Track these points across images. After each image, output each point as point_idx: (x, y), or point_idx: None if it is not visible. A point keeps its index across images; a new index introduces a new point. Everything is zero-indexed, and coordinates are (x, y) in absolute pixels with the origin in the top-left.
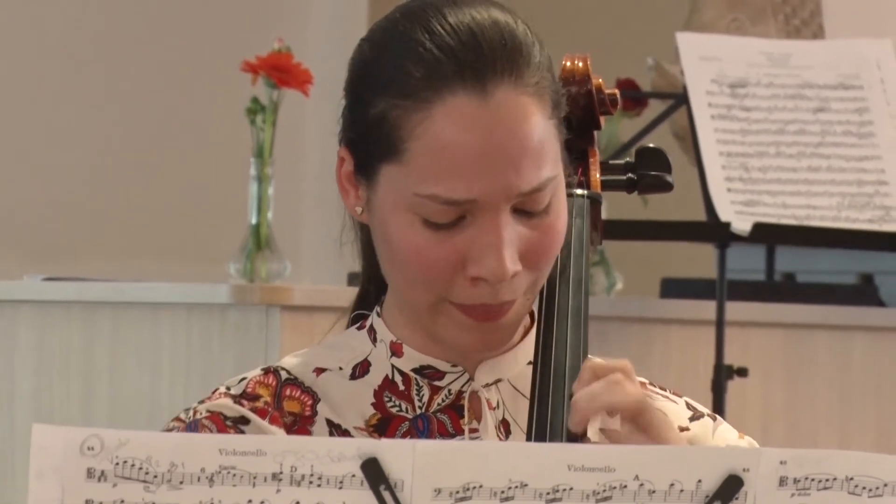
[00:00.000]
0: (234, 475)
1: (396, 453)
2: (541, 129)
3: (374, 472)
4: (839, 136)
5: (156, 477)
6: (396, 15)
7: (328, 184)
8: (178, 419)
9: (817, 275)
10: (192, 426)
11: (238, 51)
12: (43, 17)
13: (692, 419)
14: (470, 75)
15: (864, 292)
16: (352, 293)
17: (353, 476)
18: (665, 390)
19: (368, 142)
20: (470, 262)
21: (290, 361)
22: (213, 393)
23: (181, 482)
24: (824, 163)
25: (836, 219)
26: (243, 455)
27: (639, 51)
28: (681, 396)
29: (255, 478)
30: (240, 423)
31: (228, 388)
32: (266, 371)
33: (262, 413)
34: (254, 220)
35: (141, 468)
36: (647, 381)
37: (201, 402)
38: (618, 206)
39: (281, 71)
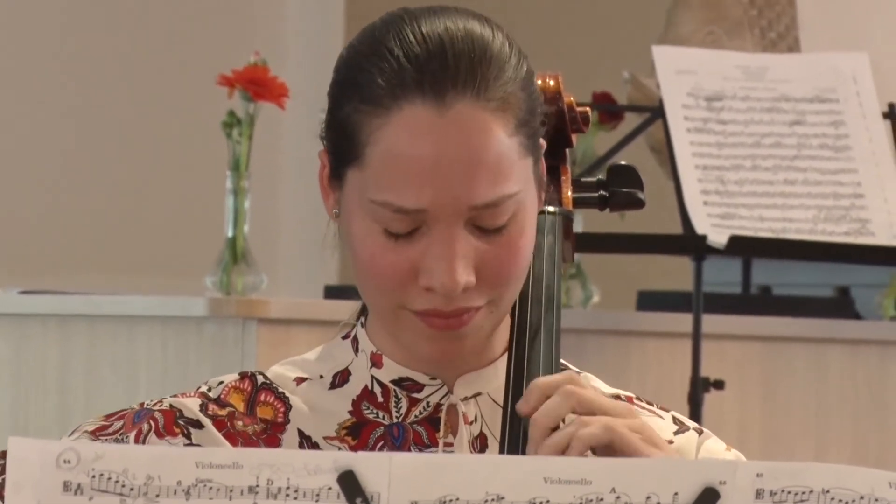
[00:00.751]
0: (211, 488)
1: (373, 466)
2: (500, 144)
3: (350, 484)
4: (815, 150)
5: (132, 490)
6: (378, 21)
7: (304, 197)
8: (140, 404)
9: (793, 288)
10: (140, 414)
11: (214, 64)
12: (20, 31)
13: (677, 433)
14: (430, 86)
15: (840, 305)
16: (329, 306)
17: (330, 489)
18: (652, 405)
19: (336, 145)
20: (422, 272)
21: (273, 370)
22: (195, 390)
23: (157, 495)
24: (800, 176)
25: (813, 232)
26: (220, 468)
27: (615, 64)
28: (668, 411)
29: (231, 491)
30: (191, 426)
31: (209, 389)
32: (243, 376)
33: (220, 424)
34: (230, 234)
35: (117, 481)
36: (633, 396)
37: (174, 395)
38: (594, 219)
39: (257, 84)
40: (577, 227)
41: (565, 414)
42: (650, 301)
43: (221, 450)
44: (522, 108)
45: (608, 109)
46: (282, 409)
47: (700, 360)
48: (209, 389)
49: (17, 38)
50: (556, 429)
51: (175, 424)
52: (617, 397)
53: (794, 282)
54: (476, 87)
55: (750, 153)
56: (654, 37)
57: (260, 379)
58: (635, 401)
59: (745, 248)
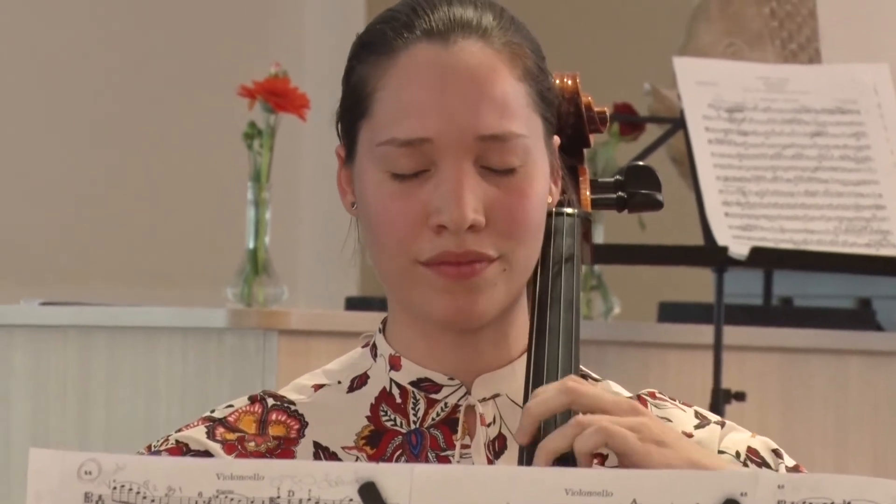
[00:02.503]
0: (232, 499)
1: (394, 477)
2: (506, 83)
3: (371, 496)
4: (836, 161)
5: (153, 501)
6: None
7: (326, 208)
8: (147, 447)
9: (815, 299)
10: (152, 455)
11: (235, 75)
12: (40, 42)
13: (698, 427)
14: (437, 28)
15: (861, 317)
16: (349, 318)
17: (351, 500)
18: (675, 400)
19: (348, 109)
20: (432, 212)
21: (293, 383)
22: (198, 419)
23: None
24: (821, 187)
25: (834, 243)
26: (241, 479)
27: (636, 75)
28: (690, 406)
29: (252, 502)
30: (200, 457)
31: (213, 412)
32: (252, 400)
33: (230, 448)
34: (251, 245)
35: (138, 492)
36: (655, 391)
37: (179, 430)
38: (615, 229)
39: (278, 95)
40: (599, 237)
41: (559, 408)
42: (671, 312)
43: (242, 461)
44: (531, 61)
45: (629, 121)
46: (295, 427)
47: (721, 371)
48: (213, 412)
49: (38, 51)
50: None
51: None
52: (640, 396)
53: (815, 293)
54: (482, 31)
55: (771, 164)
56: (674, 48)
57: (270, 401)
58: (657, 395)
59: (766, 259)
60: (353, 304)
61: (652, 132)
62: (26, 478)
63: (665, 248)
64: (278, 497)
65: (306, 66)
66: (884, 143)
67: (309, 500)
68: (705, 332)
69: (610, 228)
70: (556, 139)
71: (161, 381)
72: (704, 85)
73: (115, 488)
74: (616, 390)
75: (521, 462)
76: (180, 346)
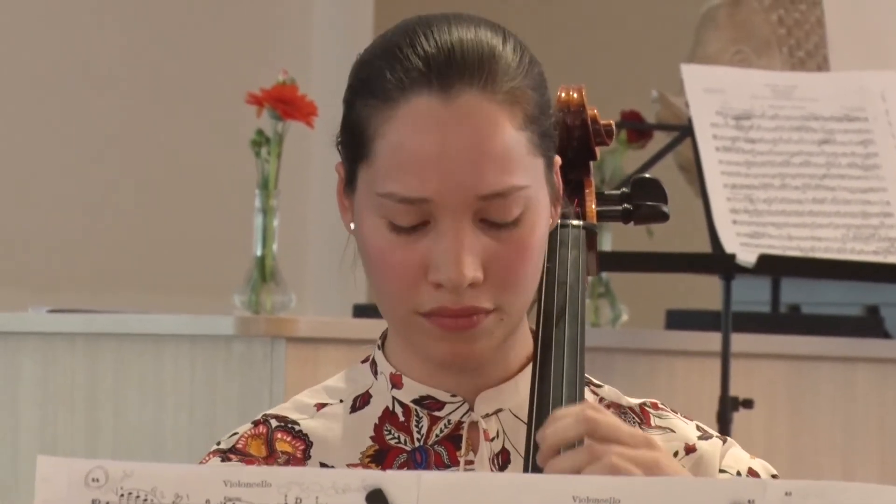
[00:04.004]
0: None
1: (401, 484)
2: (508, 136)
3: (378, 503)
4: (844, 168)
5: None
6: (392, 28)
7: (333, 216)
8: None
9: (822, 307)
10: None
11: (243, 83)
12: (47, 50)
13: (701, 438)
14: (437, 78)
15: (869, 324)
16: (357, 325)
17: None
18: (677, 413)
19: (349, 145)
20: (430, 268)
21: (294, 399)
22: (208, 454)
23: None
24: (829, 195)
25: (842, 250)
26: (248, 486)
27: (643, 83)
28: (692, 420)
29: None
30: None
31: (219, 444)
32: (256, 423)
33: (249, 464)
34: (259, 252)
35: (146, 500)
36: (658, 402)
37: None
38: (623, 237)
39: (285, 103)
40: (607, 245)
41: (576, 437)
42: (679, 320)
43: (250, 468)
44: (532, 105)
45: (637, 128)
46: (301, 447)
47: (729, 379)
48: (219, 444)
49: (44, 58)
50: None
51: None
52: (642, 406)
53: (823, 301)
54: (483, 80)
55: (779, 172)
56: (682, 55)
57: (273, 423)
58: (660, 406)
59: (774, 267)
60: (361, 311)
61: (659, 139)
62: (34, 485)
63: (673, 256)
64: None
65: (314, 73)
66: (892, 150)
67: None
68: (713, 340)
69: (618, 236)
70: (558, 160)
71: (169, 388)
72: (712, 92)
73: (122, 495)
74: (616, 398)
75: (526, 464)
76: (188, 354)
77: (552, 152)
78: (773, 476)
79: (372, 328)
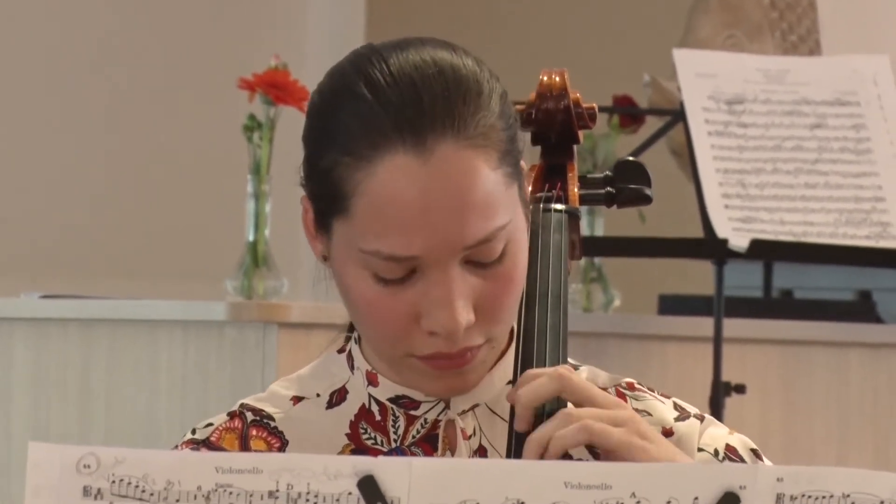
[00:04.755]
0: (231, 493)
1: (393, 471)
2: (487, 181)
3: (370, 489)
4: (836, 153)
5: (152, 495)
6: (345, 63)
7: None
8: None
9: (815, 291)
10: None
11: (235, 68)
12: (39, 37)
13: (678, 419)
14: (409, 132)
15: (861, 309)
16: None
17: (350, 494)
18: (653, 391)
19: (320, 196)
20: (423, 317)
21: (271, 389)
22: (181, 443)
23: (177, 500)
24: (821, 179)
25: (834, 235)
26: (239, 473)
27: (635, 67)
28: (669, 398)
29: (251, 496)
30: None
31: (194, 433)
32: (231, 416)
33: None
34: (251, 238)
35: (137, 486)
36: (634, 382)
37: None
38: (616, 222)
39: (278, 88)
40: (599, 230)
41: (549, 395)
42: (671, 305)
43: (241, 455)
44: (503, 139)
45: (629, 113)
46: (276, 445)
47: (721, 363)
48: (195, 433)
49: (39, 47)
50: (542, 418)
51: None
52: (617, 385)
53: (815, 285)
54: (455, 126)
55: (771, 156)
56: (674, 40)
57: (249, 416)
58: (636, 386)
59: (766, 251)
60: None
61: (652, 124)
62: (26, 471)
63: (665, 241)
64: (277, 491)
65: (306, 58)
66: (884, 134)
67: (308, 493)
68: (705, 325)
69: (610, 221)
70: (524, 165)
71: (161, 374)
72: (704, 77)
73: (113, 482)
74: (594, 375)
75: (510, 453)
76: (181, 339)
77: (519, 164)
78: (753, 451)
79: None
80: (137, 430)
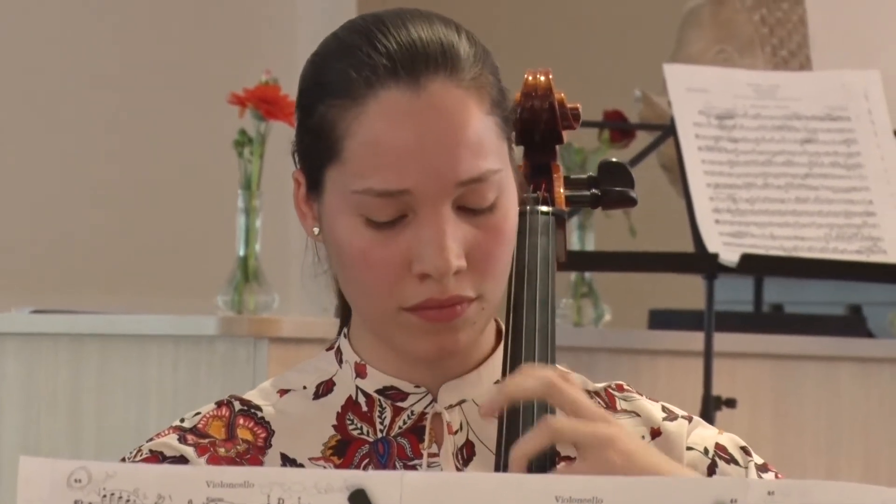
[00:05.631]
0: None
1: (384, 485)
2: (478, 121)
3: (361, 503)
4: (827, 168)
5: None
6: (340, 29)
7: None
8: (121, 460)
9: (805, 306)
10: None
11: (225, 83)
12: (29, 51)
13: (666, 419)
14: (404, 71)
15: (852, 323)
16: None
17: None
18: (642, 395)
19: (312, 150)
20: (414, 260)
21: (259, 387)
22: (168, 428)
23: None
24: (812, 194)
25: (824, 250)
26: (231, 487)
27: (626, 82)
28: (658, 402)
29: None
30: (178, 463)
31: (182, 421)
32: (219, 404)
33: (202, 450)
34: (242, 252)
35: (128, 500)
36: (623, 384)
37: (150, 439)
38: (606, 236)
39: (268, 103)
40: (590, 244)
41: (533, 395)
42: (662, 319)
43: (233, 468)
44: (495, 90)
45: (620, 127)
46: (262, 435)
47: (712, 378)
48: (183, 421)
49: (25, 60)
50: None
51: None
52: (608, 389)
53: (805, 300)
54: (448, 69)
55: (761, 171)
56: (665, 55)
57: (237, 405)
58: (625, 388)
59: (756, 266)
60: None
61: (642, 139)
62: (16, 486)
63: (655, 255)
64: None
65: (297, 73)
66: (874, 149)
67: None
68: (696, 339)
69: (600, 235)
70: (513, 148)
71: (152, 388)
72: (695, 91)
73: (104, 496)
74: (583, 382)
75: (497, 466)
76: (171, 354)
77: (512, 139)
78: (743, 448)
79: None
80: (128, 445)
